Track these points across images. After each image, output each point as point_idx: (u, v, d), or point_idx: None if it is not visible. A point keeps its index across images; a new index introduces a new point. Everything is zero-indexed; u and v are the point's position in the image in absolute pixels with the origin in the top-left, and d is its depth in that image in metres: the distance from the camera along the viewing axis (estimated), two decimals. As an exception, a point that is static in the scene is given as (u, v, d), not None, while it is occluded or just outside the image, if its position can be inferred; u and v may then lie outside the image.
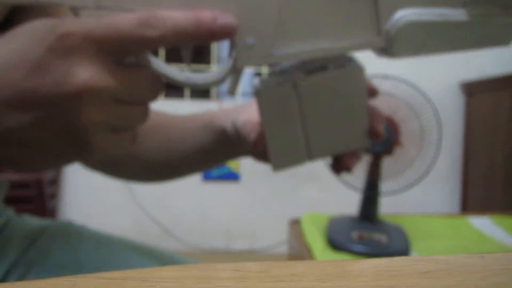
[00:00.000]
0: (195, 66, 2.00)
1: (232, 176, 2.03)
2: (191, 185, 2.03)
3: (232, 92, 0.29)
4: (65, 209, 1.99)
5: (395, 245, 0.99)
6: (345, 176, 1.07)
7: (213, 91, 2.05)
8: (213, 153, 0.45)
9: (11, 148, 0.23)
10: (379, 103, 1.14)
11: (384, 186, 1.06)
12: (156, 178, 0.50)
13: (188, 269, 0.26)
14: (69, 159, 0.26)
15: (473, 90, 1.98)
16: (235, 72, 0.27)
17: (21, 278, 0.45)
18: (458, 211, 2.06)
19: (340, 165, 0.37)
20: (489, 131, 1.85)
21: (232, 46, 0.26)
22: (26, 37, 0.22)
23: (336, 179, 1.11)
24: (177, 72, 0.26)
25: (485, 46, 0.30)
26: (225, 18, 0.23)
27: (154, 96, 0.26)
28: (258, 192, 2.04)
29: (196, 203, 2.04)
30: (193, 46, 0.26)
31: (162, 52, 2.03)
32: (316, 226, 1.12)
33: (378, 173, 1.03)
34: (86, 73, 0.21)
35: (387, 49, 0.28)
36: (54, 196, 1.90)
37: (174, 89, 2.01)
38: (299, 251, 1.07)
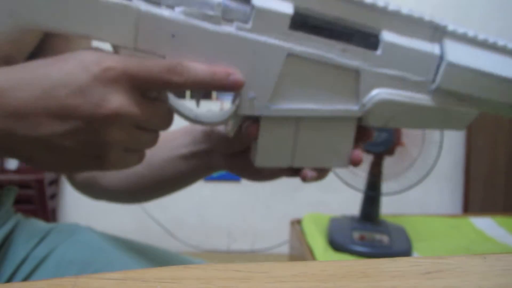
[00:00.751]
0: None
1: (233, 177, 2.03)
2: (192, 185, 2.03)
3: (230, 133, 0.33)
4: (65, 209, 1.99)
5: (396, 245, 0.99)
6: (347, 176, 1.06)
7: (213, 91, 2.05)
8: (192, 162, 0.44)
9: (41, 150, 0.28)
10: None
11: (386, 186, 1.05)
12: (133, 193, 0.48)
13: (189, 270, 0.26)
14: (85, 168, 0.31)
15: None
16: (236, 117, 0.31)
17: (30, 274, 0.46)
18: (460, 212, 2.05)
19: (296, 172, 0.37)
20: (491, 131, 1.85)
21: (236, 96, 0.31)
22: (76, 63, 0.26)
23: (337, 179, 1.11)
24: (188, 109, 0.31)
25: (444, 128, 0.35)
26: (235, 75, 0.29)
27: (165, 127, 0.31)
28: (259, 192, 2.03)
29: (197, 203, 2.03)
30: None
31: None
32: (317, 226, 1.12)
33: (379, 173, 1.03)
34: (119, 101, 0.27)
35: (362, 119, 0.33)
36: (54, 196, 1.90)
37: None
38: (300, 251, 1.07)
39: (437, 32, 0.31)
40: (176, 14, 0.27)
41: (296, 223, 1.22)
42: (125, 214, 2.00)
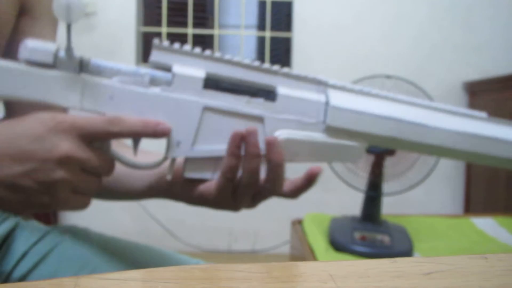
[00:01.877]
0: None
1: (234, 177, 2.03)
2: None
3: (168, 176, 0.40)
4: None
5: (398, 245, 0.99)
6: (348, 176, 1.06)
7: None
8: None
9: (3, 190, 0.33)
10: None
11: (387, 186, 1.05)
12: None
13: (191, 270, 0.26)
14: (39, 206, 0.35)
15: (476, 90, 1.97)
16: (171, 160, 0.39)
17: (31, 270, 0.48)
18: (461, 212, 2.05)
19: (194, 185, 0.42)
20: (492, 131, 1.84)
21: (168, 143, 0.38)
22: (35, 119, 0.34)
23: (338, 179, 1.11)
24: (126, 157, 0.38)
25: (342, 161, 0.43)
26: (163, 125, 0.36)
27: (108, 172, 0.37)
28: (260, 192, 2.03)
29: (198, 203, 2.03)
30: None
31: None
32: (318, 226, 1.12)
33: (380, 173, 1.03)
34: (68, 147, 0.33)
35: None
36: (56, 196, 1.90)
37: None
38: (301, 251, 1.07)
39: (321, 85, 0.41)
40: (113, 81, 0.36)
41: (297, 223, 1.22)
42: (126, 214, 2.00)
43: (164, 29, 2.03)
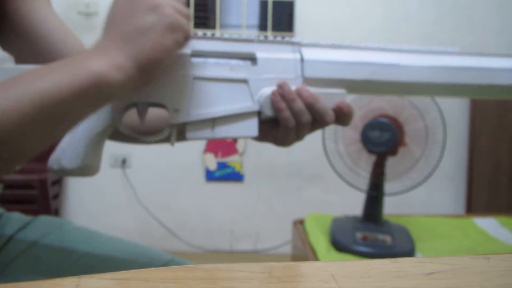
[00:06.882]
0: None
1: (236, 177, 2.03)
2: (195, 185, 2.03)
3: (173, 143, 0.44)
4: (68, 210, 2.00)
5: (399, 245, 0.99)
6: (349, 176, 1.06)
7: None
8: None
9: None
10: (384, 103, 1.12)
11: (388, 186, 1.05)
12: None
13: (192, 270, 0.26)
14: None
15: (477, 90, 1.97)
16: (172, 128, 0.44)
17: (19, 254, 0.52)
18: (463, 212, 2.04)
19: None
20: (494, 131, 1.84)
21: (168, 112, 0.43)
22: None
23: (339, 179, 1.11)
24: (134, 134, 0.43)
25: None
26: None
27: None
28: (262, 192, 2.03)
29: (199, 203, 2.03)
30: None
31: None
32: (320, 226, 1.12)
33: (382, 173, 1.03)
34: None
35: (259, 111, 0.45)
36: (57, 196, 1.91)
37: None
38: (303, 251, 1.07)
39: (295, 45, 0.46)
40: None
41: (299, 223, 1.21)
42: (127, 214, 2.00)
43: (165, 29, 2.03)
